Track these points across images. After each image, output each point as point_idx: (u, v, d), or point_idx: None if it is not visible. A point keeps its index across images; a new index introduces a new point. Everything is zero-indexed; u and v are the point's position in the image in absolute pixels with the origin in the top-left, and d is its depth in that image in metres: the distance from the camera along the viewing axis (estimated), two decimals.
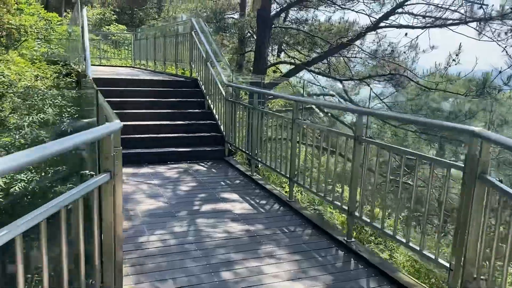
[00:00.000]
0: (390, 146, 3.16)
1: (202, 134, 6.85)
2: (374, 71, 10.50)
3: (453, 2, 8.08)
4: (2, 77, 6.77)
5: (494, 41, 7.87)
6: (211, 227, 3.87)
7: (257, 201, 4.68)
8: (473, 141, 2.44)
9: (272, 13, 10.05)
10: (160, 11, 22.35)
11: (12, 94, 6.32)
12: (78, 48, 7.89)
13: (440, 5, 8.26)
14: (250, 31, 12.05)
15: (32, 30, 10.09)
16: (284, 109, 11.31)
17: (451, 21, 8.72)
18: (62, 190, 5.02)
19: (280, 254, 3.36)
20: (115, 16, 18.89)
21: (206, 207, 4.40)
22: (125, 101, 7.05)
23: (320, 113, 11.18)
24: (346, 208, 3.66)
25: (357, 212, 3.57)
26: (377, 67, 11.40)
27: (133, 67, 13.49)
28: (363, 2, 9.43)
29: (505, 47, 8.07)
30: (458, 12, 8.27)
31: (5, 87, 6.51)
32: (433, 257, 2.79)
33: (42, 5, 13.62)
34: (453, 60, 9.94)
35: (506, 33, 8.12)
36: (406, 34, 9.00)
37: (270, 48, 12.18)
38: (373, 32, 9.81)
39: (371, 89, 9.03)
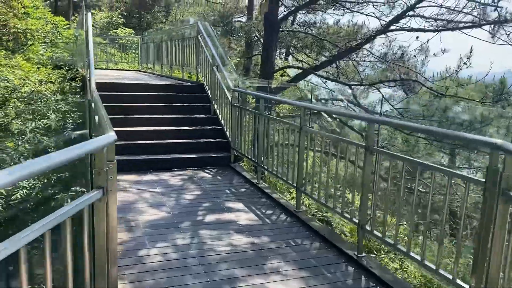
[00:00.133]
0: (404, 157, 2.98)
1: (207, 140, 6.71)
2: (383, 75, 10.29)
3: (466, 4, 7.85)
4: (6, 82, 6.71)
5: (509, 44, 7.62)
6: (214, 239, 3.71)
7: (263, 211, 4.51)
8: (494, 154, 2.26)
9: (279, 17, 9.90)
10: (167, 15, 22.35)
11: (15, 99, 6.25)
12: (83, 52, 7.82)
13: (452, 8, 8.04)
14: (257, 34, 11.91)
15: (38, 34, 10.06)
16: (291, 114, 11.12)
17: (463, 24, 8.50)
18: (64, 197, 4.91)
19: (287, 270, 3.19)
20: (122, 19, 18.92)
21: (210, 218, 4.25)
22: (129, 106, 6.94)
23: (328, 118, 10.99)
24: (357, 221, 3.48)
25: (368, 226, 3.39)
26: (387, 71, 11.19)
27: (140, 71, 13.43)
28: (373, 5, 9.24)
29: None
30: (471, 14, 8.04)
31: (9, 92, 6.44)
32: (450, 277, 2.60)
33: (49, 10, 13.64)
34: (464, 63, 9.71)
35: None
36: (417, 37, 8.80)
37: (277, 51, 12.04)
38: (383, 36, 9.61)
39: (383, 96, 8.78)
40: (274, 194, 4.96)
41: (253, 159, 5.71)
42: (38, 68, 7.89)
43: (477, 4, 7.95)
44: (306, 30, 11.32)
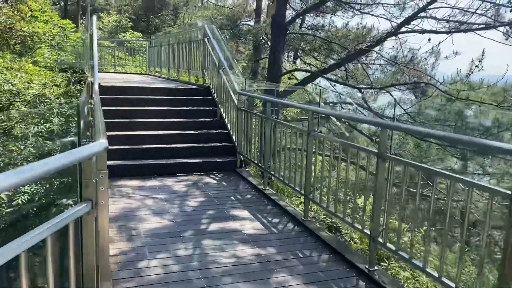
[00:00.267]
0: (420, 166, 2.78)
1: (213, 144, 6.55)
2: (394, 78, 10.06)
3: (479, 5, 7.61)
4: (11, 85, 6.64)
5: None
6: (218, 250, 3.54)
7: (269, 219, 4.33)
8: None
9: (287, 19, 9.74)
10: (176, 18, 22.34)
11: (19, 103, 6.17)
12: (89, 55, 7.75)
13: (466, 9, 7.80)
14: (265, 37, 11.76)
15: (46, 38, 10.03)
16: (299, 118, 10.92)
17: (476, 26, 8.25)
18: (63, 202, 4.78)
19: (294, 284, 3.00)
20: (131, 23, 18.92)
21: (214, 226, 4.08)
22: (135, 109, 6.83)
23: (337, 122, 10.78)
24: (368, 232, 3.28)
25: (381, 238, 3.19)
26: (397, 74, 10.96)
27: (147, 74, 13.37)
28: (383, 7, 9.03)
29: None
30: (485, 16, 7.79)
31: (13, 95, 6.36)
32: None
33: (58, 14, 13.66)
34: (476, 66, 9.45)
35: None
36: (429, 39, 8.56)
37: (285, 54, 11.88)
38: (393, 38, 9.39)
39: (395, 101, 8.52)
40: (281, 201, 4.78)
41: (259, 164, 5.54)
42: (46, 70, 7.81)
43: (491, 5, 7.71)
44: (314, 33, 11.13)
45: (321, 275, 3.16)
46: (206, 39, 7.81)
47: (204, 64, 8.09)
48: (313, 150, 4.13)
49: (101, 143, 1.86)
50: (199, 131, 6.73)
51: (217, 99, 7.30)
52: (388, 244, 3.13)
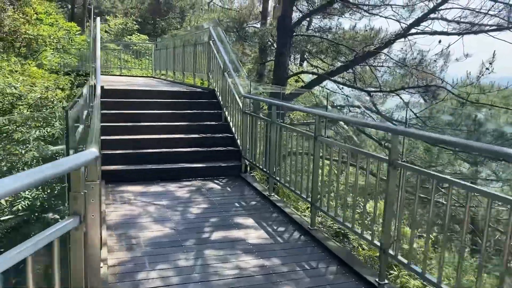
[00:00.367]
0: (434, 175, 2.61)
1: (218, 149, 6.42)
2: (403, 81, 9.85)
3: (492, 6, 7.40)
4: (13, 88, 6.56)
5: None
6: (221, 261, 3.39)
7: (275, 227, 4.18)
8: None
9: (293, 21, 9.60)
10: (182, 21, 22.31)
11: (21, 106, 6.08)
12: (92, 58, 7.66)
13: (477, 10, 7.59)
14: (271, 39, 11.62)
15: (50, 40, 9.98)
16: (306, 121, 10.73)
17: (488, 27, 8.03)
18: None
19: None
20: (137, 26, 18.89)
21: (217, 235, 3.93)
22: (139, 113, 6.72)
23: (344, 125, 10.59)
24: (379, 244, 3.11)
25: (392, 250, 3.02)
26: (406, 76, 10.76)
27: (153, 77, 13.30)
28: (391, 8, 8.85)
29: None
30: (498, 16, 7.58)
31: (15, 98, 6.28)
32: None
33: (64, 16, 13.65)
34: (487, 68, 9.23)
35: None
36: (440, 41, 8.35)
37: (292, 57, 11.72)
38: (402, 40, 9.19)
39: (407, 105, 8.26)
40: (286, 209, 4.62)
41: (264, 169, 5.39)
42: (48, 74, 7.73)
43: (505, 5, 7.49)
44: (321, 35, 10.95)
45: None
46: (211, 42, 7.70)
47: (209, 67, 7.97)
48: (320, 155, 3.97)
49: (91, 152, 1.72)
50: (203, 135, 6.60)
51: (222, 102, 7.17)
52: (400, 257, 2.96)
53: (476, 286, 2.34)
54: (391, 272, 5.87)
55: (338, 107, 10.86)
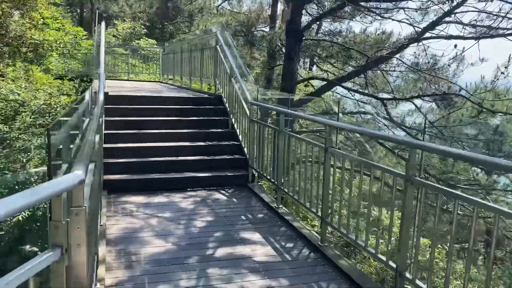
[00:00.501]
0: (458, 195, 2.37)
1: (224, 157, 6.22)
2: (416, 86, 9.56)
3: (510, 9, 7.10)
4: (17, 95, 6.45)
5: None
6: (225, 281, 3.18)
7: (283, 243, 3.96)
8: None
9: (303, 25, 9.39)
10: (190, 25, 22.23)
11: (23, 113, 5.96)
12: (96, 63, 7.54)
13: (495, 13, 7.30)
14: (280, 44, 11.42)
15: (57, 45, 9.90)
16: (316, 128, 10.46)
17: (505, 31, 7.74)
18: None
19: None
20: (145, 30, 18.84)
21: (222, 252, 3.72)
22: (143, 120, 6.56)
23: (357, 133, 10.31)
24: (394, 266, 2.88)
25: (409, 273, 2.78)
26: (418, 81, 10.47)
27: (160, 82, 13.18)
28: (404, 11, 8.59)
29: None
30: None
31: (18, 105, 6.16)
32: None
33: (72, 21, 13.62)
34: (502, 73, 8.93)
35: None
36: (455, 45, 8.06)
37: (301, 61, 11.50)
38: (414, 44, 8.92)
39: (425, 117, 7.88)
40: (295, 222, 4.40)
41: (272, 180, 5.17)
42: (52, 80, 7.62)
43: None
44: (332, 39, 10.71)
45: None
46: (218, 46, 7.52)
47: (216, 72, 7.80)
48: (331, 168, 3.75)
49: (75, 175, 1.53)
50: (209, 143, 6.42)
51: (228, 108, 6.98)
52: (418, 282, 2.72)
53: None
54: None
55: (349, 114, 10.58)
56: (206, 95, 8.04)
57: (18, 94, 6.09)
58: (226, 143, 6.48)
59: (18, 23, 8.39)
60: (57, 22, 10.47)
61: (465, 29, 8.14)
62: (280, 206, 4.85)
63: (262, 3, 17.43)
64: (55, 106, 6.34)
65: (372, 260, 7.78)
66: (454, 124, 7.75)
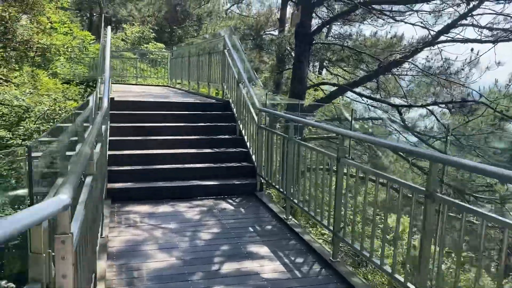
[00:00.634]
0: (486, 215, 2.16)
1: (231, 164, 6.04)
2: (429, 90, 9.29)
3: None
4: (22, 100, 6.35)
5: None
6: None
7: (292, 258, 3.75)
8: None
9: (313, 29, 9.20)
10: (199, 29, 22.16)
11: (27, 119, 5.85)
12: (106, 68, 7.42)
13: None
14: (289, 47, 11.23)
15: (64, 50, 9.84)
16: (327, 135, 10.20)
17: None
18: None
19: None
20: (153, 34, 18.79)
21: (228, 267, 3.53)
22: (148, 126, 6.41)
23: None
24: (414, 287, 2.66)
25: None
26: (431, 86, 10.20)
27: (169, 86, 13.07)
28: (417, 14, 8.34)
29: None
30: None
31: (22, 111, 6.05)
32: None
33: (80, 25, 13.60)
34: None
35: None
36: (472, 49, 7.79)
37: (311, 65, 11.28)
38: (428, 48, 8.66)
39: (448, 129, 7.49)
40: (305, 235, 4.19)
41: (281, 189, 4.97)
42: (57, 85, 7.52)
43: None
44: (343, 42, 10.48)
45: None
46: (226, 50, 7.37)
47: (223, 77, 7.64)
48: (344, 180, 3.55)
49: (59, 200, 1.35)
50: (216, 150, 6.24)
51: (236, 114, 6.81)
52: None
53: None
54: None
55: (361, 121, 10.32)
56: (213, 100, 7.88)
57: (23, 100, 5.99)
58: (234, 150, 6.31)
59: (25, 27, 8.34)
60: (65, 27, 10.42)
61: (480, 31, 7.87)
62: (290, 217, 4.65)
63: (271, 6, 17.31)
64: (60, 111, 6.23)
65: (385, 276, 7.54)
66: (473, 133, 7.44)
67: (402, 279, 2.85)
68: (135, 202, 5.12)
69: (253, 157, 5.97)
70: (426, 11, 8.32)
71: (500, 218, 2.13)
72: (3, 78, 6.48)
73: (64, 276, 1.43)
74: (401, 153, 9.06)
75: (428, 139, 9.82)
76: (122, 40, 17.53)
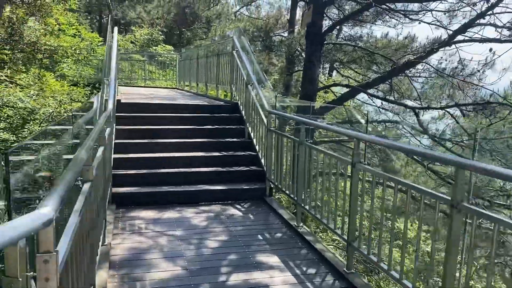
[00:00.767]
0: None
1: (239, 168, 5.85)
2: (443, 92, 9.01)
3: None
4: (27, 103, 6.24)
5: None
6: None
7: (304, 269, 3.55)
8: None
9: (324, 29, 8.98)
10: (208, 31, 22.06)
11: (32, 122, 5.73)
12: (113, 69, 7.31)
13: None
14: (299, 48, 11.02)
15: (72, 51, 9.76)
16: (339, 138, 9.95)
17: None
18: None
19: None
20: (162, 36, 18.72)
21: (236, 278, 3.33)
22: (155, 129, 6.27)
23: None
24: None
25: None
26: (444, 87, 9.91)
27: (177, 88, 12.97)
28: (432, 14, 8.09)
29: None
30: None
31: (27, 113, 5.94)
32: None
33: (89, 26, 13.57)
34: None
35: None
36: (491, 49, 7.51)
37: (321, 67, 11.06)
38: (443, 48, 8.38)
39: (475, 133, 7.10)
40: (317, 244, 3.98)
41: (291, 195, 4.77)
42: (62, 87, 7.42)
43: None
44: (355, 43, 10.23)
45: None
46: (234, 52, 7.20)
47: (232, 79, 7.47)
48: (359, 186, 3.33)
49: (40, 215, 1.17)
50: (224, 153, 6.07)
51: (245, 116, 6.63)
52: None
53: None
54: None
55: (374, 124, 10.05)
56: (222, 103, 7.71)
57: (28, 102, 5.89)
58: (242, 153, 6.13)
59: (33, 29, 8.26)
60: (73, 28, 10.37)
61: (498, 31, 7.60)
62: (301, 225, 4.44)
63: (281, 7, 17.14)
64: (65, 114, 6.12)
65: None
66: (496, 137, 7.13)
67: None
68: (141, 207, 4.97)
69: (262, 160, 5.78)
70: (440, 11, 8.07)
71: None
72: (8, 79, 6.39)
73: None
74: (416, 157, 8.79)
75: (452, 144, 9.42)
76: (131, 42, 17.48)
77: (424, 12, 8.27)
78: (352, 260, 3.46)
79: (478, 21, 7.40)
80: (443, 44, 8.03)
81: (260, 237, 4.23)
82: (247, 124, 6.46)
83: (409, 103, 9.49)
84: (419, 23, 8.38)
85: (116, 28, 7.08)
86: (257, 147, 6.06)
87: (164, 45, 18.11)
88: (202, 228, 4.42)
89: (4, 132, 5.22)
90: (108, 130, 4.24)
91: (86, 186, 2.34)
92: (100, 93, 4.87)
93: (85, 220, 2.18)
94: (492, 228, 2.08)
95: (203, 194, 5.33)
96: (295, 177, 4.60)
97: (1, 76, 6.26)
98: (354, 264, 3.97)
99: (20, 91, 6.08)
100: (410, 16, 8.54)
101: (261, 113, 5.78)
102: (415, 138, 10.26)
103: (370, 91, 9.86)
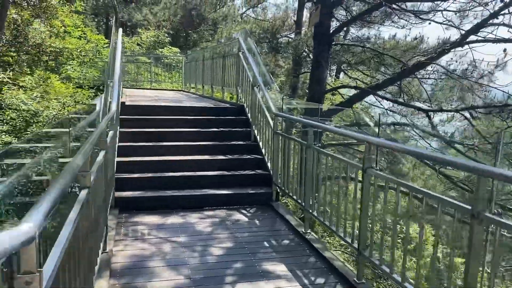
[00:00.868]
0: None
1: (245, 172, 5.72)
2: (454, 94, 8.81)
3: None
4: (31, 105, 6.16)
5: None
6: None
7: (312, 278, 3.39)
8: None
9: (332, 30, 8.83)
10: (214, 33, 22.00)
11: (35, 124, 5.65)
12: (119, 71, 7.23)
13: None
14: (306, 50, 10.87)
15: (77, 53, 9.71)
16: (347, 141, 9.77)
17: None
18: None
19: None
20: (169, 38, 18.68)
21: None
22: (159, 131, 6.16)
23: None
24: None
25: None
26: (455, 89, 9.71)
27: (183, 90, 12.89)
28: (442, 14, 7.91)
29: None
30: None
31: (30, 116, 5.86)
32: None
33: (95, 28, 13.54)
34: None
35: None
36: (505, 49, 7.30)
37: (328, 68, 10.89)
38: (453, 49, 8.19)
39: (499, 136, 6.87)
40: (326, 252, 3.82)
41: (299, 200, 4.62)
42: (65, 89, 7.34)
43: None
44: (364, 44, 10.05)
45: None
46: (240, 53, 7.08)
47: (238, 81, 7.34)
48: (371, 192, 3.18)
49: (19, 232, 1.04)
50: (230, 156, 5.93)
51: (251, 119, 6.50)
52: None
53: None
54: None
55: (383, 127, 9.85)
56: (227, 105, 7.59)
57: (31, 104, 5.81)
58: (248, 156, 5.99)
59: (38, 31, 8.21)
60: (79, 30, 10.32)
61: (510, 32, 7.39)
62: (308, 231, 4.29)
63: (287, 9, 17.01)
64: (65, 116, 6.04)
65: None
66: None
67: None
68: (144, 212, 4.85)
69: (269, 164, 5.64)
70: (451, 11, 7.89)
71: None
72: (11, 81, 6.33)
73: None
74: (428, 162, 8.59)
75: (467, 148, 9.15)
76: (138, 44, 17.46)
77: (435, 12, 8.09)
78: (363, 270, 3.30)
79: (491, 21, 7.21)
80: (455, 45, 7.84)
81: (266, 244, 4.08)
82: (253, 126, 6.33)
83: (420, 105, 9.29)
84: (430, 23, 8.20)
85: (120, 29, 6.99)
86: (263, 150, 5.92)
87: (170, 47, 18.06)
88: (207, 234, 4.28)
89: (7, 135, 5.14)
90: (111, 133, 4.13)
91: (83, 193, 2.22)
92: (103, 95, 4.76)
93: (81, 229, 2.05)
94: None
95: (208, 199, 5.20)
96: (302, 182, 4.45)
97: (4, 78, 6.20)
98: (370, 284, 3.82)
99: (23, 93, 6.00)
100: (421, 16, 8.34)
101: (267, 115, 5.65)
102: (424, 141, 10.06)
103: (379, 93, 9.68)
